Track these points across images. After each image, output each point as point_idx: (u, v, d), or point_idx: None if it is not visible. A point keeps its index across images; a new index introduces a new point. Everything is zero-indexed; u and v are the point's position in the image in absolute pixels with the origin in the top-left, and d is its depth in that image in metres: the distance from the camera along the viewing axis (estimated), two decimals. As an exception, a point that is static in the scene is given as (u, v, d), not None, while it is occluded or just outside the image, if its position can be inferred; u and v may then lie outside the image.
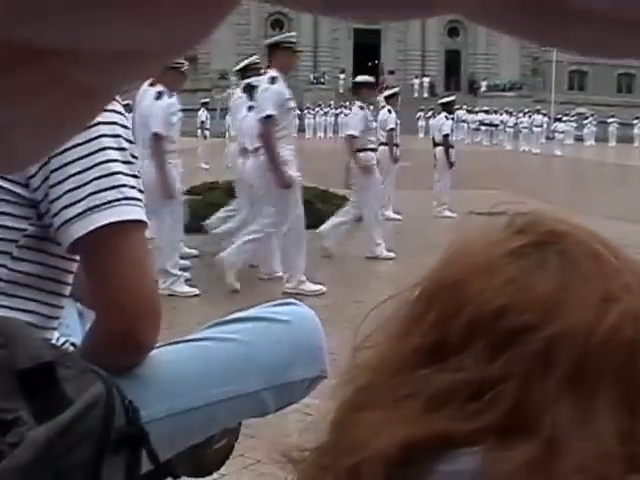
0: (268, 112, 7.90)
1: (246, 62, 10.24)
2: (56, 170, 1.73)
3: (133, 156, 1.82)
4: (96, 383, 1.38)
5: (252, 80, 9.39)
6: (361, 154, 9.89)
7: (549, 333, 0.75)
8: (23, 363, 1.32)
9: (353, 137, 9.87)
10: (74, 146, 1.73)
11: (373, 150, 10.31)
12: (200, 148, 26.88)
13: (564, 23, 0.24)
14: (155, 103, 8.10)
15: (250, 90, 9.19)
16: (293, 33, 9.20)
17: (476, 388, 0.75)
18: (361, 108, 10.03)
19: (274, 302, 2.10)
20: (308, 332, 2.04)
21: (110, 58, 0.24)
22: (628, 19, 0.24)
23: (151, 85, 8.29)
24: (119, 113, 1.81)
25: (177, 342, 1.96)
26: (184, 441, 1.95)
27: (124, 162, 1.78)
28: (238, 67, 10.52)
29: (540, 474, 0.71)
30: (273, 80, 8.08)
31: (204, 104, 30.60)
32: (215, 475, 2.39)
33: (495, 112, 53.78)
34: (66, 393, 1.33)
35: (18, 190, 1.76)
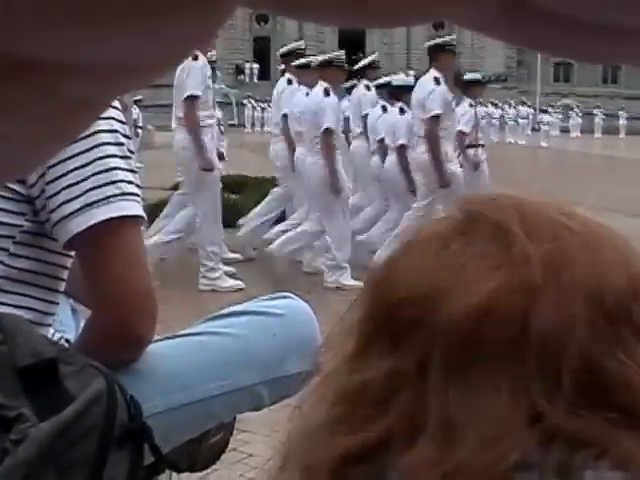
0: (436, 111, 8.10)
1: (367, 61, 10.40)
2: (53, 166, 1.73)
3: (130, 151, 1.82)
4: (98, 379, 1.38)
5: (392, 79, 9.61)
6: (471, 150, 9.78)
7: (429, 324, 0.72)
8: (24, 360, 1.32)
9: (464, 134, 9.59)
10: (71, 142, 1.72)
11: (482, 146, 10.15)
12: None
13: (562, 31, 0.24)
14: (324, 99, 8.24)
15: (392, 89, 9.32)
16: (454, 36, 9.33)
17: (373, 390, 0.74)
18: (470, 105, 9.84)
19: (269, 296, 2.11)
20: (303, 325, 2.04)
21: (107, 70, 0.24)
22: (627, 26, 0.24)
23: (289, 82, 8.89)
24: (115, 108, 1.81)
25: (173, 337, 1.96)
26: (181, 435, 1.96)
27: (122, 157, 1.78)
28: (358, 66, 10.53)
29: (437, 469, 0.70)
30: (437, 81, 8.27)
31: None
32: (208, 469, 2.39)
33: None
34: (68, 389, 1.33)
35: (14, 186, 1.75)
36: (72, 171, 1.73)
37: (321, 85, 8.37)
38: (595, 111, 55.35)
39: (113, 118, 1.79)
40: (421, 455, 0.70)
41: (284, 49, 10.30)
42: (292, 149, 8.89)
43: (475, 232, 0.76)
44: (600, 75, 73.84)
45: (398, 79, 9.72)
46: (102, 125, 1.76)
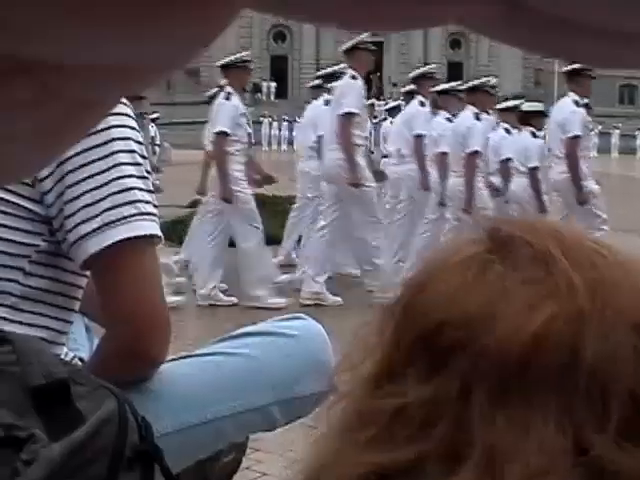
0: (576, 132, 8.27)
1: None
2: (71, 186, 1.73)
3: (147, 171, 1.82)
4: (109, 400, 1.38)
5: (516, 103, 9.71)
6: None
7: (475, 349, 0.71)
8: (37, 380, 1.32)
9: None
10: (89, 162, 1.73)
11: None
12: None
13: (563, 34, 0.24)
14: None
15: (523, 114, 9.43)
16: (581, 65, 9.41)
17: (412, 413, 0.73)
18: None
19: (282, 317, 2.11)
20: (316, 346, 2.04)
21: (109, 72, 0.24)
22: (628, 30, 0.24)
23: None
24: (133, 128, 1.81)
25: (186, 357, 1.96)
26: (192, 456, 1.96)
27: (139, 177, 1.78)
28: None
29: None
30: (577, 104, 8.46)
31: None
32: (221, 489, 2.39)
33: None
34: (80, 410, 1.33)
35: (31, 206, 1.76)
36: (89, 191, 1.74)
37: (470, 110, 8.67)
38: (612, 131, 55.16)
39: (131, 138, 1.80)
40: None
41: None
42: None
43: (515, 257, 0.76)
44: (617, 95, 73.70)
45: (527, 105, 9.80)
46: (120, 145, 1.77)
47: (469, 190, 8.47)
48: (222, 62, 8.38)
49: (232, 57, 8.45)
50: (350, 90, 7.95)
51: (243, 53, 8.67)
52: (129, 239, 1.74)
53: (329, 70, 10.09)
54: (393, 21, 0.25)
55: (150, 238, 1.78)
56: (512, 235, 0.77)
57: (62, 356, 1.84)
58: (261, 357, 1.96)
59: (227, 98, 7.94)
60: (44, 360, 1.38)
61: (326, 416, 0.82)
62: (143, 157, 1.82)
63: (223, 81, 8.42)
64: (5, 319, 1.76)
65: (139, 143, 1.83)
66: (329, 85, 9.15)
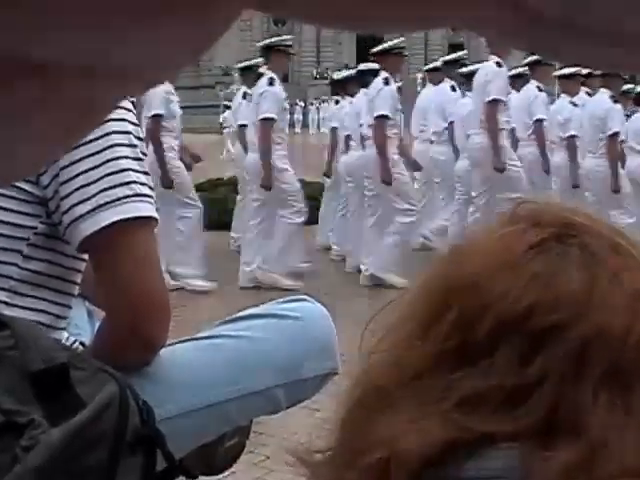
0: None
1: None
2: (66, 167, 1.72)
3: (143, 153, 1.81)
4: (110, 384, 1.37)
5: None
6: None
7: (582, 332, 0.72)
8: (36, 365, 1.31)
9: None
10: (84, 143, 1.71)
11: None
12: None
13: (565, 37, 0.24)
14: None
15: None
16: None
17: (510, 391, 0.73)
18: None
19: (285, 298, 2.09)
20: (319, 328, 2.03)
21: (109, 72, 0.24)
22: (629, 32, 0.24)
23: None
24: (128, 110, 1.80)
25: (187, 340, 1.95)
26: (196, 440, 1.94)
27: (134, 159, 1.77)
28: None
29: (584, 476, 0.69)
30: None
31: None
32: (225, 472, 2.38)
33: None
34: (80, 395, 1.31)
35: (28, 187, 1.75)
36: (84, 172, 1.72)
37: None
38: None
39: (126, 120, 1.78)
40: (568, 456, 0.70)
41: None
42: None
43: (585, 242, 0.77)
44: None
45: None
46: (115, 126, 1.75)
47: (614, 172, 8.52)
48: (264, 43, 8.37)
49: (273, 39, 8.50)
50: (496, 77, 7.99)
51: (284, 37, 8.66)
52: (124, 220, 1.72)
53: (454, 56, 10.03)
54: (395, 24, 0.25)
55: (146, 220, 1.76)
56: (574, 222, 0.78)
57: (63, 341, 1.82)
58: (264, 339, 1.94)
59: (271, 84, 7.90)
60: (43, 344, 1.36)
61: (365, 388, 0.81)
62: (139, 139, 1.81)
63: (263, 67, 8.42)
64: (4, 303, 1.75)
65: (135, 125, 1.81)
66: (458, 71, 9.29)
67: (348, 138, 9.23)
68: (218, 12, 0.24)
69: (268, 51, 8.33)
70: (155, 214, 1.78)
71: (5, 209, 1.74)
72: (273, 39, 8.50)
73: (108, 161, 1.73)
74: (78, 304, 2.02)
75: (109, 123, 1.74)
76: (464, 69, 9.49)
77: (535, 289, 0.74)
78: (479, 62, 9.03)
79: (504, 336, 0.74)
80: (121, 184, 1.73)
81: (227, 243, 9.87)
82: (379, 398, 0.79)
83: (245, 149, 8.79)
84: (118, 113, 1.76)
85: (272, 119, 7.82)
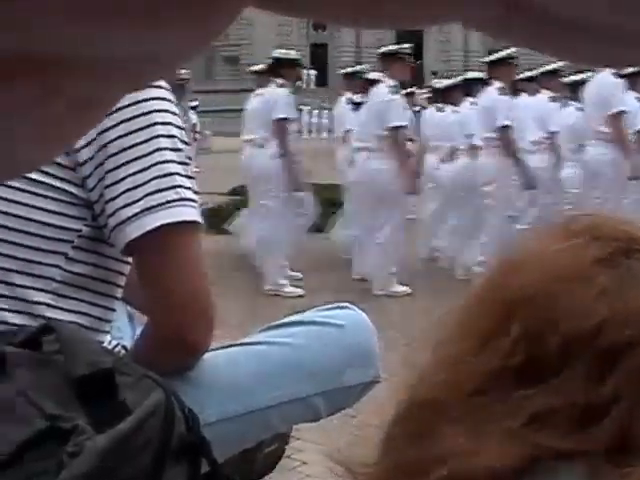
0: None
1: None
2: (112, 170, 1.72)
3: (188, 157, 1.80)
4: (155, 391, 1.36)
5: None
6: None
7: None
8: (81, 370, 1.30)
9: None
10: (130, 147, 1.71)
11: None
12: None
13: (563, 34, 0.25)
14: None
15: None
16: None
17: (582, 409, 0.71)
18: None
19: (328, 306, 2.08)
20: (361, 336, 2.02)
21: (110, 70, 0.24)
22: (628, 30, 0.24)
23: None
24: (174, 114, 1.79)
25: (230, 346, 1.94)
26: (236, 446, 1.94)
27: (180, 163, 1.76)
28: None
29: None
30: None
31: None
32: (263, 477, 2.38)
33: None
34: (125, 401, 1.31)
35: (73, 190, 1.75)
36: (131, 175, 1.72)
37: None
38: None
39: (171, 124, 1.78)
40: (637, 476, 0.69)
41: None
42: None
43: None
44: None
45: None
46: (161, 130, 1.75)
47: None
48: (383, 51, 8.47)
49: (393, 47, 8.62)
50: (615, 88, 7.97)
51: (404, 45, 8.67)
52: (170, 224, 1.72)
53: (553, 66, 9.75)
54: (394, 21, 0.25)
55: (192, 224, 1.76)
56: (634, 235, 0.77)
57: (105, 344, 1.82)
58: (306, 347, 1.93)
59: (395, 92, 8.02)
60: (89, 349, 1.36)
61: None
62: (184, 143, 1.80)
63: (378, 74, 8.48)
64: (47, 305, 1.75)
65: (180, 128, 1.81)
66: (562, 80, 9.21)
67: (453, 147, 9.20)
68: (218, 10, 0.24)
69: (387, 58, 8.34)
70: (199, 218, 1.77)
71: (49, 211, 1.74)
72: (393, 47, 8.56)
73: (154, 165, 1.73)
74: (119, 307, 2.02)
75: (155, 127, 1.74)
76: (567, 79, 9.43)
77: (605, 304, 0.72)
78: (579, 72, 9.03)
79: (574, 352, 0.72)
80: (167, 188, 1.72)
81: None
82: (433, 413, 0.77)
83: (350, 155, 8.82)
84: (163, 117, 1.76)
85: (405, 127, 7.92)
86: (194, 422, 1.38)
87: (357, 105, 9.20)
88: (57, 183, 1.74)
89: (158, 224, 1.71)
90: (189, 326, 1.74)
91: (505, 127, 8.10)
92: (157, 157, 1.73)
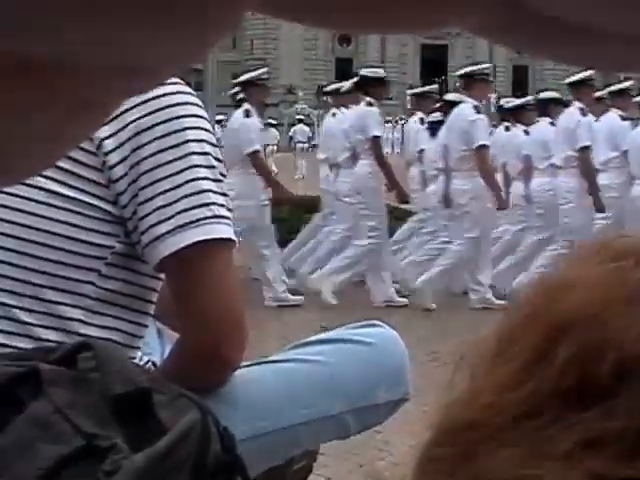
0: None
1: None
2: (145, 187, 1.72)
3: (222, 174, 1.81)
4: (192, 410, 1.36)
5: None
6: None
7: None
8: (118, 388, 1.31)
9: None
10: (164, 164, 1.72)
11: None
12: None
13: (565, 38, 0.24)
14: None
15: None
16: None
17: (635, 435, 0.70)
18: None
19: (358, 324, 2.08)
20: (392, 354, 2.02)
21: (111, 72, 0.24)
22: (630, 33, 0.24)
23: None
24: (207, 130, 1.80)
25: (259, 363, 1.95)
26: (266, 462, 1.94)
27: (213, 180, 1.77)
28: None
29: None
30: None
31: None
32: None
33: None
34: (161, 420, 1.31)
35: (106, 207, 1.75)
36: (164, 192, 1.72)
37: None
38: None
39: (205, 140, 1.78)
40: None
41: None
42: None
43: None
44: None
45: None
46: (194, 147, 1.75)
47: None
48: (465, 72, 8.76)
49: (473, 67, 8.85)
50: None
51: (483, 65, 9.02)
52: (204, 242, 1.72)
53: (620, 86, 9.66)
54: (393, 25, 0.25)
55: (225, 241, 1.76)
56: None
57: (136, 360, 1.83)
58: (336, 364, 1.93)
59: (478, 112, 8.20)
60: (125, 368, 1.36)
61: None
62: (217, 160, 1.81)
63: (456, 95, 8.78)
64: (81, 321, 1.76)
65: (213, 145, 1.81)
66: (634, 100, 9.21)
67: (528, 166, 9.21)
68: (220, 12, 0.24)
69: (469, 79, 8.50)
70: (233, 236, 1.78)
71: (83, 228, 1.75)
72: (473, 67, 8.73)
73: (187, 182, 1.73)
74: (149, 323, 2.02)
75: (188, 144, 1.74)
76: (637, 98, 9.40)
77: None
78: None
79: (629, 374, 0.71)
80: (200, 205, 1.73)
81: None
82: (481, 435, 0.76)
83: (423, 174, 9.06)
84: (196, 134, 1.76)
85: (487, 146, 8.09)
86: (230, 441, 1.38)
87: (432, 124, 9.32)
88: (90, 200, 1.75)
89: (191, 241, 1.71)
90: (222, 342, 1.74)
91: (585, 148, 8.20)
92: (190, 174, 1.74)
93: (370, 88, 8.52)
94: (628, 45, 0.24)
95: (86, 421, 1.26)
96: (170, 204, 1.72)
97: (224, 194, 1.79)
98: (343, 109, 9.17)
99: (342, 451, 4.15)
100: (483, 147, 7.98)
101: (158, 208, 1.72)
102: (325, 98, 11.11)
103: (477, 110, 8.10)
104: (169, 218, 1.71)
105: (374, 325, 2.06)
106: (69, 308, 1.75)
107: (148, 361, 1.94)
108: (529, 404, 0.74)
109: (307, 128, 31.10)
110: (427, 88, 10.26)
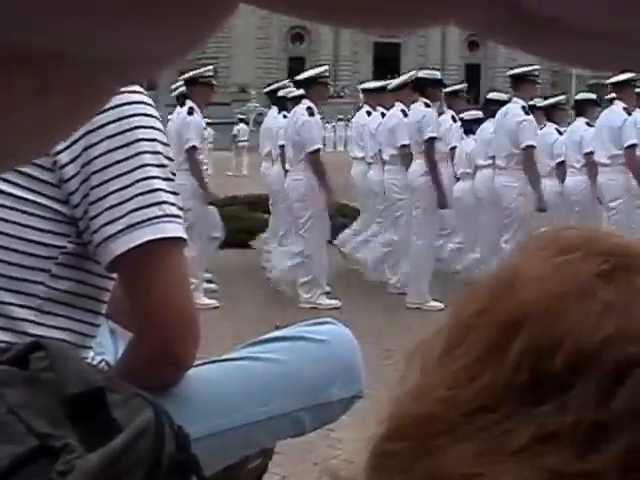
0: None
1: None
2: (97, 187, 1.72)
3: (173, 173, 1.81)
4: (146, 409, 1.36)
5: None
6: None
7: None
8: (72, 388, 1.30)
9: None
10: (115, 163, 1.72)
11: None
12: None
13: (563, 38, 0.25)
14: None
15: None
16: None
17: (589, 428, 0.70)
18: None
19: (310, 321, 2.08)
20: (345, 351, 2.02)
21: (109, 61, 0.25)
22: (627, 33, 0.24)
23: None
24: (158, 130, 1.79)
25: (213, 361, 1.94)
26: (221, 461, 1.94)
27: (164, 179, 1.76)
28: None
29: None
30: None
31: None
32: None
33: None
34: (116, 419, 1.30)
35: (57, 207, 1.74)
36: (115, 192, 1.72)
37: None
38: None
39: (156, 140, 1.78)
40: None
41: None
42: None
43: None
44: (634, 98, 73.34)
45: None
46: (145, 146, 1.75)
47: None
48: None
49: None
50: None
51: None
52: (155, 241, 1.72)
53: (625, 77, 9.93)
54: (394, 22, 0.25)
55: (177, 240, 1.76)
56: (629, 250, 0.76)
57: (89, 360, 1.82)
58: (291, 362, 1.94)
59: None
60: (79, 367, 1.35)
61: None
62: (168, 159, 1.80)
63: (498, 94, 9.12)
64: (31, 322, 1.74)
65: (164, 144, 1.81)
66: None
67: (562, 164, 9.32)
68: (215, 3, 0.24)
69: (518, 80, 8.66)
70: (184, 235, 1.78)
71: (33, 228, 1.74)
72: (524, 69, 8.75)
73: (139, 181, 1.73)
74: (102, 323, 2.02)
75: (139, 143, 1.74)
76: None
77: (611, 320, 0.71)
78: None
79: (582, 369, 0.71)
80: (152, 204, 1.73)
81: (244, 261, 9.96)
82: (435, 430, 0.76)
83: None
84: (148, 133, 1.76)
85: (535, 147, 8.33)
86: (184, 440, 1.38)
87: (467, 123, 9.62)
88: (41, 200, 1.74)
89: (143, 240, 1.71)
90: (175, 341, 1.74)
91: (633, 146, 8.37)
92: (141, 173, 1.73)
93: (427, 89, 8.80)
94: (617, 45, 0.25)
95: (39, 421, 1.25)
96: (121, 203, 1.71)
97: (175, 193, 1.79)
98: (379, 108, 9.51)
99: (297, 449, 4.15)
100: (530, 147, 8.21)
101: (109, 207, 1.71)
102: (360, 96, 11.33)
103: (525, 111, 8.31)
104: (120, 217, 1.71)
105: (327, 322, 2.07)
106: (19, 308, 1.74)
107: (101, 361, 1.93)
108: (483, 398, 0.74)
109: (247, 127, 31.82)
110: (458, 87, 10.31)
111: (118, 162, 1.72)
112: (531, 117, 8.39)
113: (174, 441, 1.35)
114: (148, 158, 1.75)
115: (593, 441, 0.69)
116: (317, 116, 8.47)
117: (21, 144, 0.27)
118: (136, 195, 1.72)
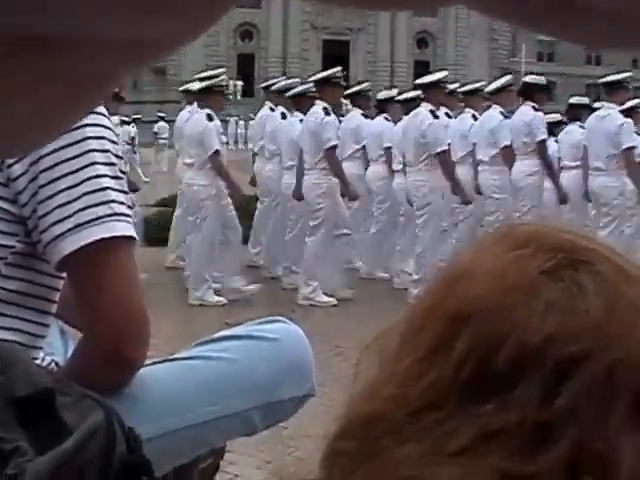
0: None
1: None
2: (45, 185, 1.70)
3: (122, 171, 1.79)
4: (96, 411, 1.35)
5: None
6: None
7: (606, 362, 0.69)
8: (21, 390, 1.29)
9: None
10: (63, 161, 1.70)
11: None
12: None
13: (567, 16, 0.25)
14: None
15: None
16: None
17: (533, 427, 0.70)
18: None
19: (262, 320, 2.08)
20: (296, 350, 2.02)
21: (112, 47, 0.24)
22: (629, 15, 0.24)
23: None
24: (107, 128, 1.78)
25: (163, 361, 1.93)
26: (172, 461, 1.93)
27: (113, 177, 1.75)
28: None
29: None
30: None
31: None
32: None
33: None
34: (65, 421, 1.29)
35: (5, 206, 1.73)
36: (63, 191, 1.70)
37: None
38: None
39: (105, 137, 1.77)
40: None
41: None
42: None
43: (591, 268, 0.75)
44: (583, 93, 74.10)
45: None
46: (94, 144, 1.74)
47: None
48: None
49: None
50: None
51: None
52: (104, 239, 1.70)
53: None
54: (400, 1, 0.25)
55: (126, 239, 1.75)
56: (581, 247, 0.76)
57: (39, 360, 1.80)
58: (241, 361, 1.93)
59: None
60: (28, 369, 1.34)
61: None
62: (117, 157, 1.79)
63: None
64: None
65: (113, 142, 1.80)
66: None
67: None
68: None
69: (613, 86, 9.04)
70: (134, 233, 1.77)
71: None
72: (618, 76, 9.15)
73: (87, 179, 1.72)
74: (52, 323, 2.00)
75: (88, 141, 1.73)
76: None
77: (554, 317, 0.71)
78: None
79: (525, 367, 0.70)
80: (100, 203, 1.71)
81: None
82: (382, 429, 0.76)
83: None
84: (96, 131, 1.75)
85: (634, 147, 8.75)
86: (135, 441, 1.37)
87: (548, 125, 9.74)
88: None
89: (91, 239, 1.69)
90: (124, 341, 1.73)
91: (630, 148, 8.77)
92: (89, 172, 1.72)
93: (536, 94, 9.21)
94: (624, 25, 0.25)
95: (-11, 425, 1.24)
96: (70, 202, 1.70)
97: (124, 192, 1.78)
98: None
99: (249, 448, 4.15)
100: (630, 149, 8.61)
101: (58, 206, 1.70)
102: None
103: (624, 114, 8.71)
104: (69, 216, 1.70)
105: (277, 321, 2.06)
106: None
107: (51, 361, 1.91)
108: (430, 396, 0.73)
109: (167, 125, 32.25)
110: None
111: (66, 160, 1.71)
112: (630, 120, 8.79)
113: (125, 442, 1.35)
114: (97, 156, 1.74)
115: (538, 441, 0.69)
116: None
117: (19, 132, 0.27)
118: (85, 194, 1.71)
